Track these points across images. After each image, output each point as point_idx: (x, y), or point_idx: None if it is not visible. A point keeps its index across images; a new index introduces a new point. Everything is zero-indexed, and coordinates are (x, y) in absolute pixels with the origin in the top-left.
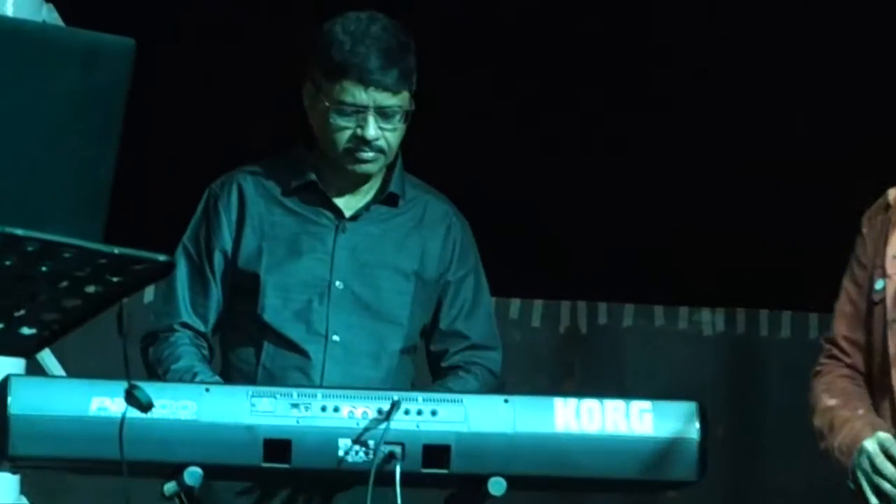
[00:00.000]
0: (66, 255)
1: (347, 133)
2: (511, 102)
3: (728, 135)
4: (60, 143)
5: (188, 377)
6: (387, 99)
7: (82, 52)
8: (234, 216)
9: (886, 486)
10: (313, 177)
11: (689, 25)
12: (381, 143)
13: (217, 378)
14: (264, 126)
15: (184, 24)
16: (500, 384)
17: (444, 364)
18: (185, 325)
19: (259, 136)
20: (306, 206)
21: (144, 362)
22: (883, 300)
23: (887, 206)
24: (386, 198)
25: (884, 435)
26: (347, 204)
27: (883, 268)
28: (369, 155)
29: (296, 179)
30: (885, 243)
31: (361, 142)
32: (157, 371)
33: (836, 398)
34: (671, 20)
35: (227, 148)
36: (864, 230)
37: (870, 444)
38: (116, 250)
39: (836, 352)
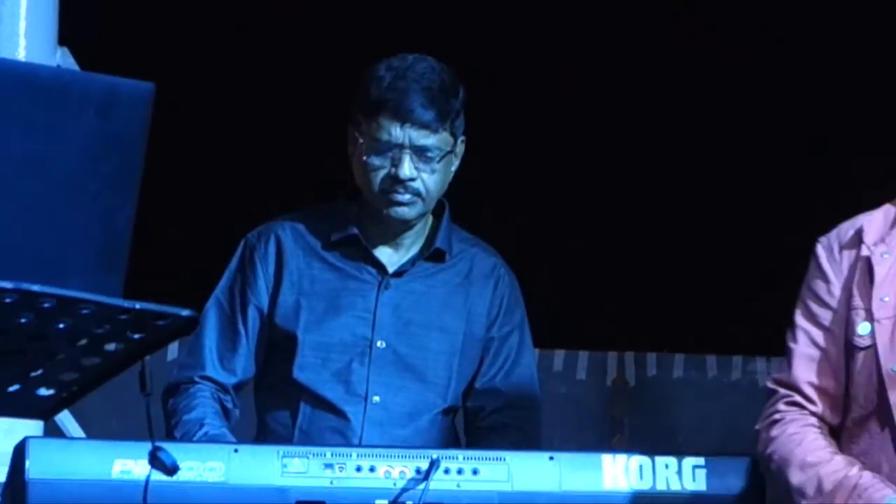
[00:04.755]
0: (85, 311)
1: (382, 172)
2: (559, 151)
3: (773, 183)
4: (77, 193)
5: (195, 429)
6: (423, 137)
7: (99, 97)
8: (271, 269)
9: None
10: (355, 230)
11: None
12: (418, 185)
13: (224, 431)
14: (302, 176)
15: (211, 69)
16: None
17: (479, 424)
18: (208, 379)
19: (296, 187)
20: (348, 260)
21: (164, 414)
22: (871, 346)
23: (860, 241)
24: (432, 254)
25: None
26: (391, 259)
27: (868, 310)
28: (405, 197)
29: (337, 232)
30: (870, 283)
31: (396, 181)
32: (171, 422)
33: (815, 453)
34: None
35: (257, 199)
36: (825, 265)
37: None
38: (137, 305)
39: (798, 398)
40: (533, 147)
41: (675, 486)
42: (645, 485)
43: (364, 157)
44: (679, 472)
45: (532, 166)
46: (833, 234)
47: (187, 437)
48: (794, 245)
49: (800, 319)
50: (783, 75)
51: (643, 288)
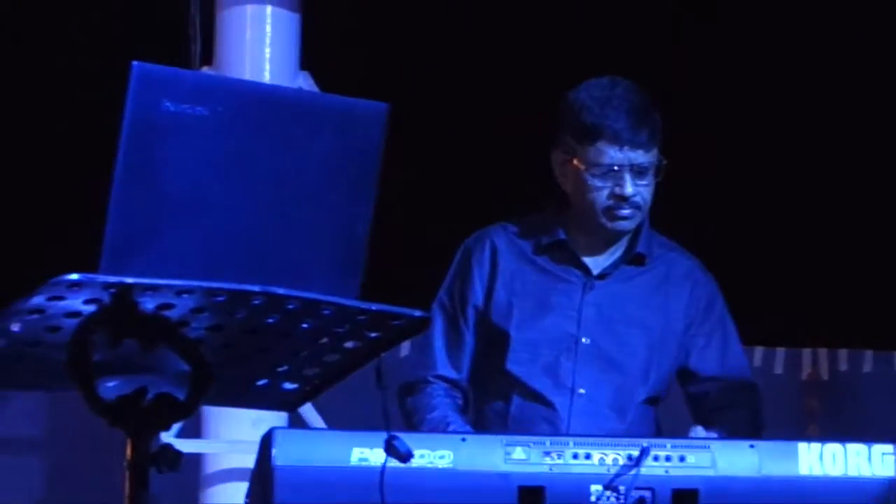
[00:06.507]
0: (326, 312)
1: (605, 192)
2: (756, 152)
3: None
4: (319, 204)
5: (442, 426)
6: (640, 157)
7: (338, 117)
8: (486, 271)
9: None
10: (563, 236)
11: None
12: (638, 199)
13: (468, 428)
14: (515, 186)
15: (434, 88)
16: (761, 419)
17: (708, 406)
18: (440, 377)
19: (509, 196)
20: (555, 264)
21: (401, 411)
22: None
23: None
24: (633, 257)
25: None
26: (595, 263)
27: None
28: (627, 212)
29: (546, 238)
30: None
31: (620, 199)
32: (413, 420)
33: None
34: None
35: (473, 209)
36: None
37: None
38: (374, 307)
39: None
40: (734, 148)
41: (866, 472)
42: (837, 470)
43: (585, 179)
44: (869, 459)
45: (732, 170)
46: None
47: None
48: None
49: None
50: None
51: (836, 289)
